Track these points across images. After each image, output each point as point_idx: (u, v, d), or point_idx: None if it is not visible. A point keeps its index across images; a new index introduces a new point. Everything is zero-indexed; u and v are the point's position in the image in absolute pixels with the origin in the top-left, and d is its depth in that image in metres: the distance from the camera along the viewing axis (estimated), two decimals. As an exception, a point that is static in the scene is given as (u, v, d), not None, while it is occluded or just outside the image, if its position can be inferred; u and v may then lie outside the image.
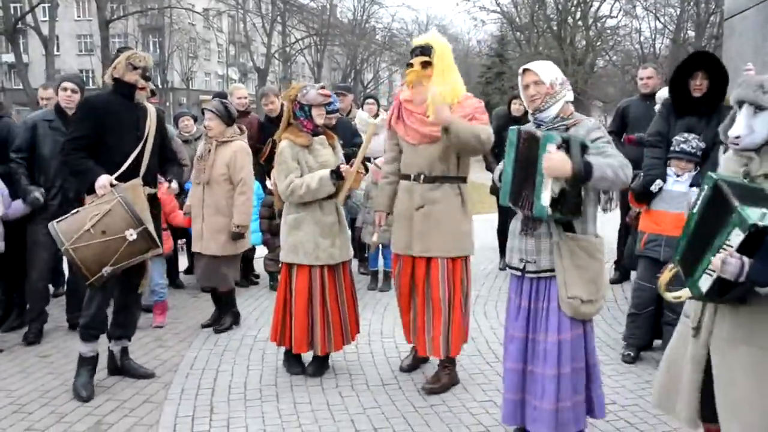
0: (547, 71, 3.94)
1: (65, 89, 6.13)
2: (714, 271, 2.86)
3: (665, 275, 3.46)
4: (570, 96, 3.97)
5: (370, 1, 50.25)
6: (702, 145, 5.34)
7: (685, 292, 3.20)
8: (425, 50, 4.86)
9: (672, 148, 5.38)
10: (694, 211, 2.98)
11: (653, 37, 44.94)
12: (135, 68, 4.95)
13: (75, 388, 4.90)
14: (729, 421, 3.05)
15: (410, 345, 5.41)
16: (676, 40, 42.60)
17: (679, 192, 5.32)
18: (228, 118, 6.28)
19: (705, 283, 2.92)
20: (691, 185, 5.27)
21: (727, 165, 3.29)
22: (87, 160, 4.86)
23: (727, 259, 2.79)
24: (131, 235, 4.61)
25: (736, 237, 2.79)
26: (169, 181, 5.42)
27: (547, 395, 3.81)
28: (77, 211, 4.74)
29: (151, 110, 5.15)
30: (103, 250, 4.57)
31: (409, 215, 4.95)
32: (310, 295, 5.13)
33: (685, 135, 5.37)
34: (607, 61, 46.09)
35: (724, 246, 2.81)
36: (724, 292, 2.90)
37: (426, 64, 4.83)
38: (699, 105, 5.44)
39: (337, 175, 4.99)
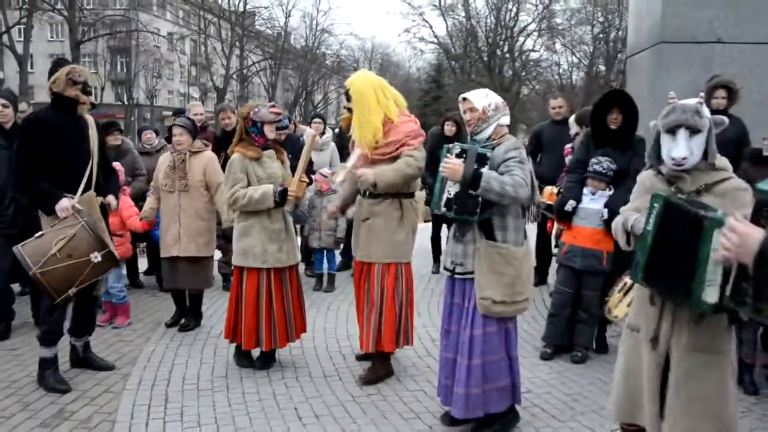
0: (479, 99, 4.06)
1: None
2: (714, 281, 2.73)
3: (614, 299, 3.43)
4: (504, 120, 4.07)
5: (321, 30, 50.29)
6: (613, 167, 5.46)
7: (614, 302, 3.22)
8: (348, 95, 5.02)
9: (588, 169, 5.52)
10: (649, 227, 2.89)
11: (570, 69, 46.07)
12: (75, 83, 4.69)
13: (48, 385, 4.77)
14: (685, 414, 2.99)
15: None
16: (590, 73, 43.78)
17: (594, 209, 5.45)
18: (194, 131, 6.31)
19: (711, 294, 2.73)
20: (605, 205, 5.40)
21: (652, 184, 3.24)
22: (43, 182, 4.60)
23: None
24: (96, 257, 4.50)
25: (719, 236, 2.54)
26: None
27: (460, 381, 4.01)
28: (41, 235, 4.52)
29: (91, 121, 4.91)
30: (69, 272, 4.45)
31: (359, 225, 5.05)
32: (257, 296, 5.11)
33: (599, 158, 5.50)
34: (531, 89, 46.92)
35: (712, 250, 2.69)
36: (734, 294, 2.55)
37: (350, 110, 4.95)
38: (615, 136, 5.59)
39: (281, 195, 4.99)
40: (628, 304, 3.35)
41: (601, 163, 5.47)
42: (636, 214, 3.17)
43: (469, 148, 3.96)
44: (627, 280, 3.27)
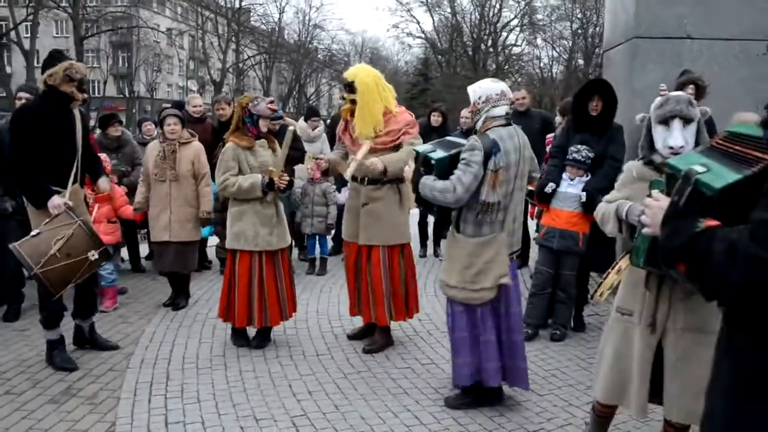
0: (472, 92, 4.06)
1: None
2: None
3: (609, 280, 3.38)
4: (495, 111, 3.96)
5: (313, 26, 50.03)
6: (591, 155, 5.48)
7: (606, 285, 3.24)
8: (351, 87, 4.99)
9: (567, 157, 5.53)
10: None
11: (550, 63, 46.05)
12: (72, 80, 4.52)
13: (56, 364, 4.77)
14: (682, 395, 3.01)
15: (351, 317, 5.54)
16: (569, 67, 43.79)
17: (572, 193, 5.47)
18: (183, 122, 6.34)
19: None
20: (583, 189, 5.42)
21: (641, 174, 3.22)
22: (37, 178, 4.50)
23: None
24: (93, 255, 4.51)
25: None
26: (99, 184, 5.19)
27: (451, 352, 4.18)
28: (38, 233, 4.44)
29: (77, 115, 4.74)
30: (68, 270, 4.46)
31: (356, 211, 5.08)
32: (250, 277, 5.11)
33: (578, 146, 5.51)
34: (514, 82, 46.81)
35: None
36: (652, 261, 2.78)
37: (354, 101, 4.98)
38: (594, 123, 5.61)
39: (269, 185, 4.99)
40: (609, 286, 3.34)
41: (579, 151, 5.48)
42: (629, 202, 3.11)
43: (420, 153, 4.08)
44: (621, 263, 3.26)
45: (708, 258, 1.68)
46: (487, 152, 3.81)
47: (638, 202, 3.04)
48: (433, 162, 3.98)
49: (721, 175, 1.85)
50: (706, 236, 1.71)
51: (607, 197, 3.35)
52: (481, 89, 4.02)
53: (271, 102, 5.21)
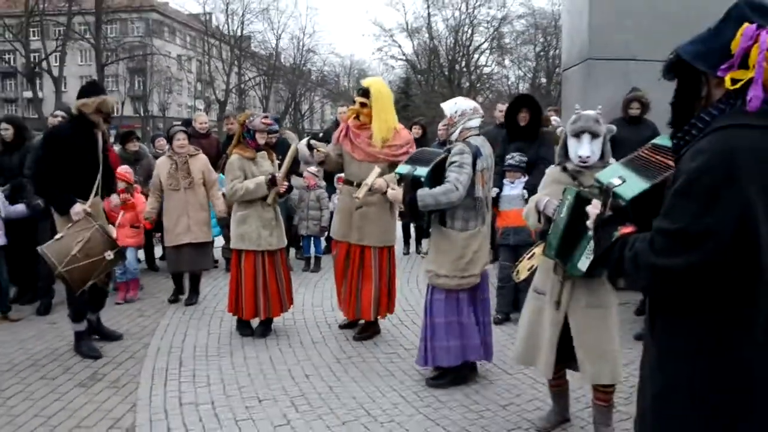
0: (448, 108, 4.11)
1: None
2: (592, 254, 2.85)
3: (524, 264, 3.55)
4: (471, 123, 4.04)
5: (307, 50, 49.73)
6: (524, 158, 5.59)
7: (523, 267, 3.36)
8: (365, 92, 4.92)
9: (504, 164, 5.61)
10: (562, 215, 2.97)
11: (517, 81, 46.09)
12: (101, 112, 4.66)
13: (85, 353, 4.78)
14: (588, 359, 3.20)
15: (340, 310, 5.46)
16: (533, 85, 43.90)
17: (514, 195, 5.54)
18: (190, 138, 6.46)
19: (584, 264, 2.93)
20: (524, 188, 5.48)
21: (558, 178, 3.40)
22: (62, 191, 4.58)
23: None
24: (109, 255, 4.54)
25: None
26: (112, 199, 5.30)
27: (426, 336, 4.13)
28: (61, 237, 4.50)
29: (99, 136, 4.81)
30: (88, 269, 4.49)
31: (350, 212, 5.00)
32: (255, 274, 5.11)
33: (512, 154, 5.63)
34: (485, 98, 46.87)
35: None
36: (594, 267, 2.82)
37: (363, 105, 4.90)
38: (524, 132, 5.70)
39: (271, 180, 5.00)
40: (529, 268, 3.48)
41: (513, 157, 5.59)
42: (547, 197, 3.29)
43: (405, 175, 4.05)
44: (535, 250, 3.41)
45: (621, 264, 1.73)
46: (474, 155, 3.91)
47: (549, 199, 3.24)
48: (422, 179, 3.95)
49: (633, 186, 1.90)
50: (619, 244, 1.76)
51: (532, 198, 3.51)
52: (456, 105, 4.10)
53: (265, 117, 5.22)
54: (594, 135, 3.27)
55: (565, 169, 3.39)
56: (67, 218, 4.60)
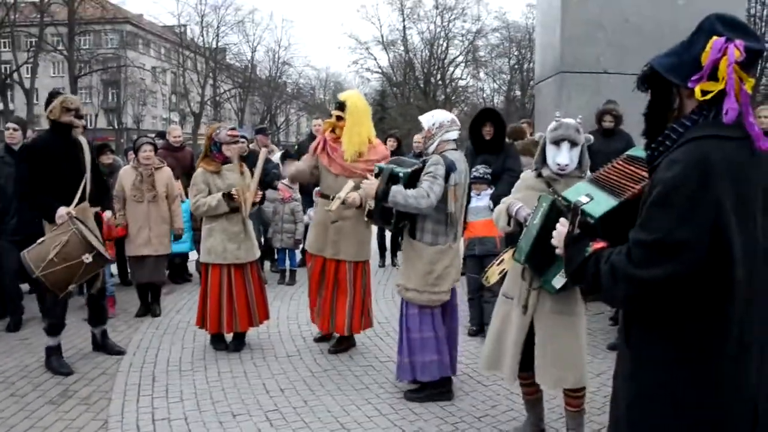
0: (426, 120, 4.10)
1: (8, 128, 5.87)
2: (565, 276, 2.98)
3: (493, 269, 3.58)
4: (449, 135, 4.02)
5: (282, 63, 49.73)
6: (489, 170, 5.62)
7: (492, 272, 3.38)
8: (341, 106, 4.91)
9: (470, 177, 5.58)
10: (535, 222, 2.99)
11: (492, 94, 46.65)
12: (68, 110, 4.61)
13: (54, 369, 4.70)
14: (554, 364, 3.22)
15: (313, 324, 5.40)
16: (508, 97, 44.43)
17: (481, 206, 5.54)
18: (157, 150, 6.48)
19: (558, 282, 3.03)
20: (491, 199, 5.50)
21: (532, 184, 3.42)
22: (44, 197, 4.54)
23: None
24: (87, 258, 4.44)
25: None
26: (105, 210, 5.21)
27: (402, 351, 4.12)
28: (42, 241, 4.46)
29: (84, 143, 4.83)
30: (66, 273, 4.41)
31: (324, 226, 4.93)
32: (220, 287, 5.06)
33: (477, 166, 5.64)
34: (461, 111, 47.28)
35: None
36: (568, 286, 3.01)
37: (339, 118, 4.89)
38: (489, 145, 5.77)
39: (228, 197, 4.95)
40: (499, 272, 3.50)
41: (478, 170, 5.60)
42: (519, 203, 3.31)
43: (385, 168, 4.04)
44: (504, 256, 3.44)
45: (597, 278, 1.75)
46: (449, 168, 3.89)
47: (527, 206, 3.24)
48: (401, 175, 3.93)
49: (601, 204, 1.94)
50: (593, 259, 1.78)
51: (503, 199, 3.51)
52: (434, 117, 4.09)
53: (231, 129, 5.18)
54: (573, 143, 3.29)
55: (540, 175, 3.41)
56: (54, 224, 4.58)
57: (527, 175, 3.53)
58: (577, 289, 3.13)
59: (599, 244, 1.81)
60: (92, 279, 4.80)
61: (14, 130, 5.82)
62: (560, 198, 3.04)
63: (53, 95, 4.73)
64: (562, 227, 1.99)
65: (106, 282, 5.24)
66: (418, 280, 4.00)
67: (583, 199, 1.99)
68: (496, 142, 5.80)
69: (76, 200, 4.64)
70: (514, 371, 3.31)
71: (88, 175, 4.77)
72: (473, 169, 5.58)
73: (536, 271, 3.12)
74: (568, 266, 1.89)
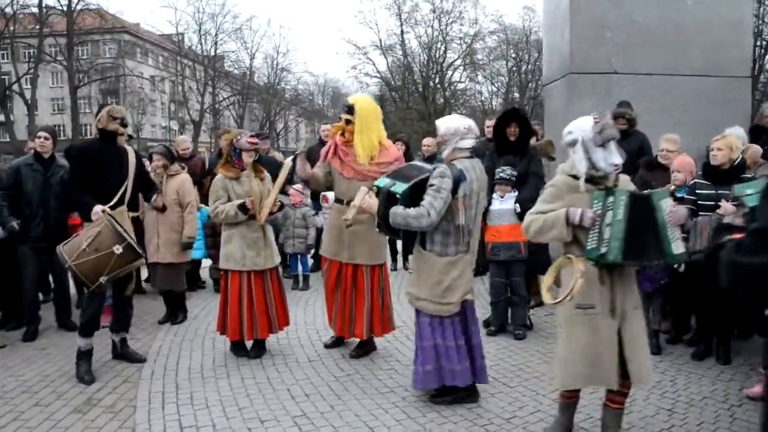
0: (441, 125, 4.03)
1: (39, 137, 5.92)
2: (677, 237, 3.16)
3: (548, 279, 3.40)
4: (463, 143, 3.93)
5: (281, 69, 49.76)
6: (514, 173, 5.57)
7: (547, 297, 3.28)
8: (351, 109, 4.89)
9: (495, 178, 5.55)
10: (619, 218, 3.03)
11: (490, 97, 46.65)
12: (115, 119, 4.86)
13: (79, 375, 4.72)
14: (646, 359, 3.32)
15: (331, 329, 5.36)
16: (506, 99, 44.41)
17: (505, 209, 5.50)
18: (171, 157, 6.44)
19: (679, 247, 3.16)
20: (516, 202, 5.46)
21: (572, 187, 3.29)
22: (86, 196, 4.74)
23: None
24: (118, 249, 4.47)
25: (666, 203, 3.14)
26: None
27: (417, 359, 4.08)
28: (77, 235, 4.64)
29: (130, 151, 5.05)
30: (97, 263, 4.44)
31: (340, 230, 4.87)
32: (240, 294, 5.05)
33: (503, 167, 5.60)
34: (460, 114, 47.30)
35: (666, 215, 3.11)
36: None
37: (348, 122, 4.88)
38: (514, 146, 5.72)
39: (242, 208, 4.94)
40: (547, 288, 3.36)
41: (504, 171, 5.56)
42: (578, 209, 3.19)
43: (382, 189, 4.00)
44: (579, 264, 3.25)
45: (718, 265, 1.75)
46: (456, 180, 3.79)
47: (582, 208, 3.19)
48: (398, 196, 3.87)
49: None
50: (727, 247, 1.73)
51: (533, 210, 3.39)
52: (449, 123, 4.02)
53: (252, 137, 5.18)
54: (614, 140, 3.29)
55: (576, 177, 3.30)
56: (90, 222, 4.72)
57: (562, 180, 3.36)
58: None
59: (738, 236, 1.81)
60: (125, 281, 4.87)
61: (45, 138, 5.90)
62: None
63: (101, 107, 5.02)
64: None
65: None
66: (428, 291, 3.95)
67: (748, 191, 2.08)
68: (520, 144, 5.75)
69: (113, 202, 4.78)
70: (618, 376, 3.24)
71: (129, 181, 4.92)
72: (499, 171, 5.55)
73: (636, 260, 3.22)
74: (710, 242, 1.94)
